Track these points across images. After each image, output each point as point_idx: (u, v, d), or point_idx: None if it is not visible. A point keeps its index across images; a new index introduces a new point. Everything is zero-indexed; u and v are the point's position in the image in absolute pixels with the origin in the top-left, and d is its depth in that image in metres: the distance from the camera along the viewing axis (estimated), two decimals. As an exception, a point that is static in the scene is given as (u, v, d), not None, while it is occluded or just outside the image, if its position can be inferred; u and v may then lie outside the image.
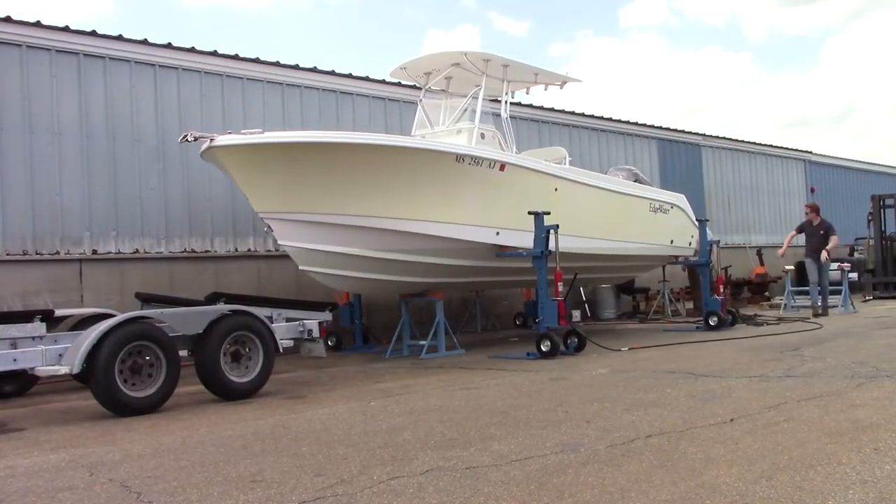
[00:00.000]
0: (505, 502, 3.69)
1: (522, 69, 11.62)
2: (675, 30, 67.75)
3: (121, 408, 6.60)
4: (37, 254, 10.09)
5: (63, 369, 6.51)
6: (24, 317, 7.38)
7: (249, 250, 11.97)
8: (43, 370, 6.70)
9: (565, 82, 12.41)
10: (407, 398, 6.98)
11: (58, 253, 10.26)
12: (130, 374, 6.73)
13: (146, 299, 9.04)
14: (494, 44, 64.63)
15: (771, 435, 4.76)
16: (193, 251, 11.19)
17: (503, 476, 4.11)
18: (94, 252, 10.57)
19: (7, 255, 9.87)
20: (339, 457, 4.71)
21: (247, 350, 7.58)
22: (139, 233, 10.97)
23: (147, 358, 6.83)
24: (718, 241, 14.17)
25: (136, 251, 10.93)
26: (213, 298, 8.79)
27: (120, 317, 6.83)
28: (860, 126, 70.57)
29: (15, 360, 6.67)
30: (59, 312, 8.15)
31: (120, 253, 10.79)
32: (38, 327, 7.25)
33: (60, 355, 6.71)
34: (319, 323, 8.58)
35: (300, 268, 9.56)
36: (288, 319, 8.44)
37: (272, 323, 7.96)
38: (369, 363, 10.21)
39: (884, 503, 3.44)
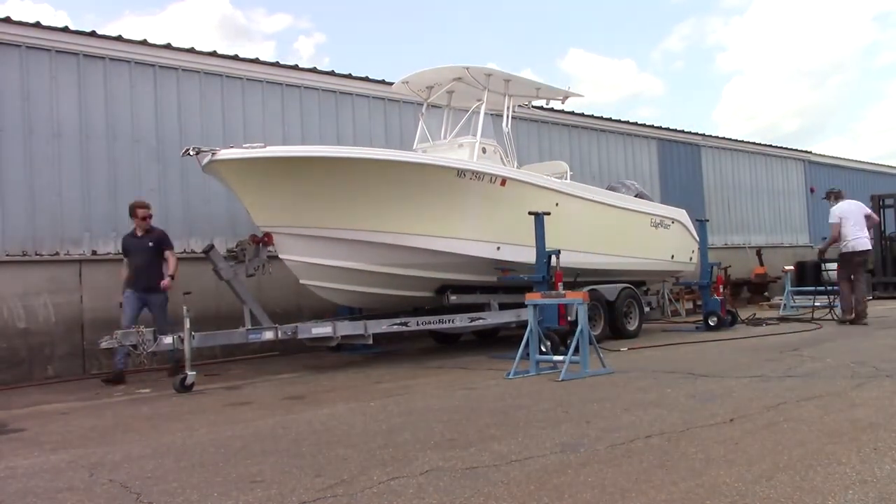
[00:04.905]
0: (505, 502, 3.69)
1: (524, 84, 11.68)
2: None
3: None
4: (36, 255, 10.09)
5: None
6: None
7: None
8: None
9: (567, 97, 12.44)
10: (407, 398, 6.99)
11: (57, 254, 10.26)
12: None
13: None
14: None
15: (771, 435, 4.76)
16: (193, 251, 11.17)
17: (503, 476, 4.11)
18: (94, 253, 10.56)
19: (7, 255, 9.87)
20: (339, 457, 4.71)
21: (631, 310, 12.11)
22: (139, 233, 10.96)
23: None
24: (720, 264, 14.12)
25: (136, 252, 10.92)
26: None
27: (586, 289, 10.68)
28: None
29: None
30: None
31: (120, 254, 10.77)
32: None
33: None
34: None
35: (301, 281, 9.59)
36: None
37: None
38: (369, 363, 10.22)
39: (883, 503, 3.44)
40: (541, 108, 15.41)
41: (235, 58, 12.22)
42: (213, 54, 12.00)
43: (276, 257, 9.52)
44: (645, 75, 68.16)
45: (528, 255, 10.09)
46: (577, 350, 7.93)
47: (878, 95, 71.32)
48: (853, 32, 65.77)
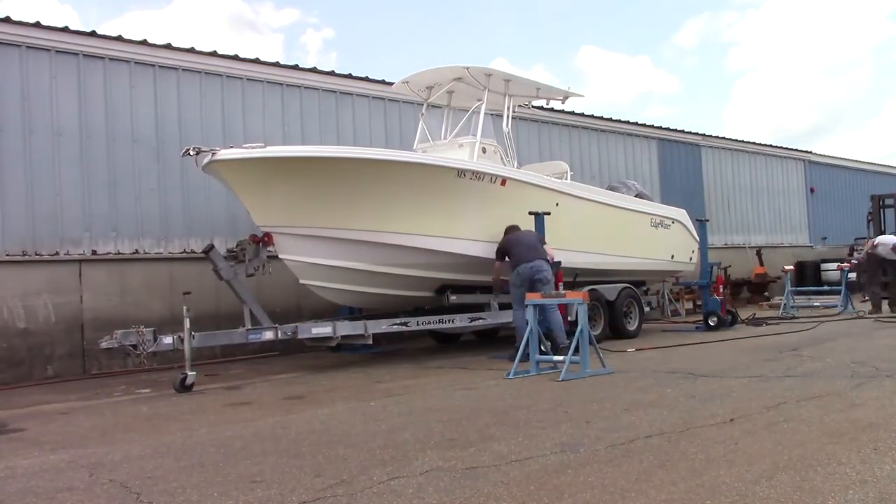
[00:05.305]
0: (505, 502, 3.69)
1: (524, 84, 11.68)
2: None
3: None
4: (36, 254, 10.09)
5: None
6: None
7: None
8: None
9: (567, 97, 12.44)
10: (407, 398, 6.98)
11: (57, 254, 10.26)
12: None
13: None
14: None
15: (771, 435, 4.76)
16: (193, 251, 11.17)
17: (503, 476, 4.11)
18: (94, 253, 10.56)
19: (7, 255, 9.87)
20: (339, 457, 4.72)
21: (631, 310, 12.13)
22: (138, 233, 10.96)
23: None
24: (720, 264, 14.16)
25: (136, 252, 10.92)
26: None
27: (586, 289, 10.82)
28: None
29: None
30: None
31: (119, 253, 10.78)
32: None
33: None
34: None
35: (301, 281, 9.60)
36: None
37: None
38: (369, 363, 10.21)
39: (883, 503, 3.44)
40: (541, 108, 15.41)
41: (236, 58, 12.22)
42: (214, 54, 12.00)
43: (276, 257, 9.52)
44: (660, 72, 68.20)
45: None
46: (577, 350, 7.93)
47: (893, 93, 71.37)
48: (867, 29, 65.85)
